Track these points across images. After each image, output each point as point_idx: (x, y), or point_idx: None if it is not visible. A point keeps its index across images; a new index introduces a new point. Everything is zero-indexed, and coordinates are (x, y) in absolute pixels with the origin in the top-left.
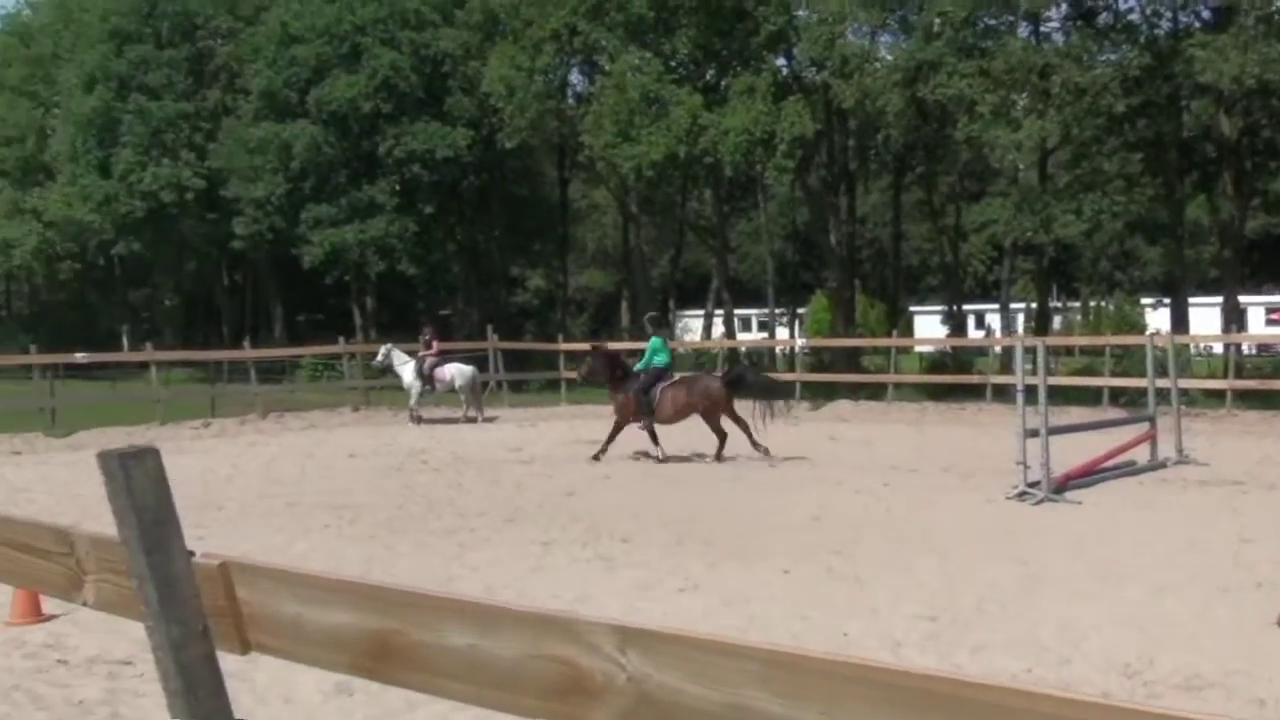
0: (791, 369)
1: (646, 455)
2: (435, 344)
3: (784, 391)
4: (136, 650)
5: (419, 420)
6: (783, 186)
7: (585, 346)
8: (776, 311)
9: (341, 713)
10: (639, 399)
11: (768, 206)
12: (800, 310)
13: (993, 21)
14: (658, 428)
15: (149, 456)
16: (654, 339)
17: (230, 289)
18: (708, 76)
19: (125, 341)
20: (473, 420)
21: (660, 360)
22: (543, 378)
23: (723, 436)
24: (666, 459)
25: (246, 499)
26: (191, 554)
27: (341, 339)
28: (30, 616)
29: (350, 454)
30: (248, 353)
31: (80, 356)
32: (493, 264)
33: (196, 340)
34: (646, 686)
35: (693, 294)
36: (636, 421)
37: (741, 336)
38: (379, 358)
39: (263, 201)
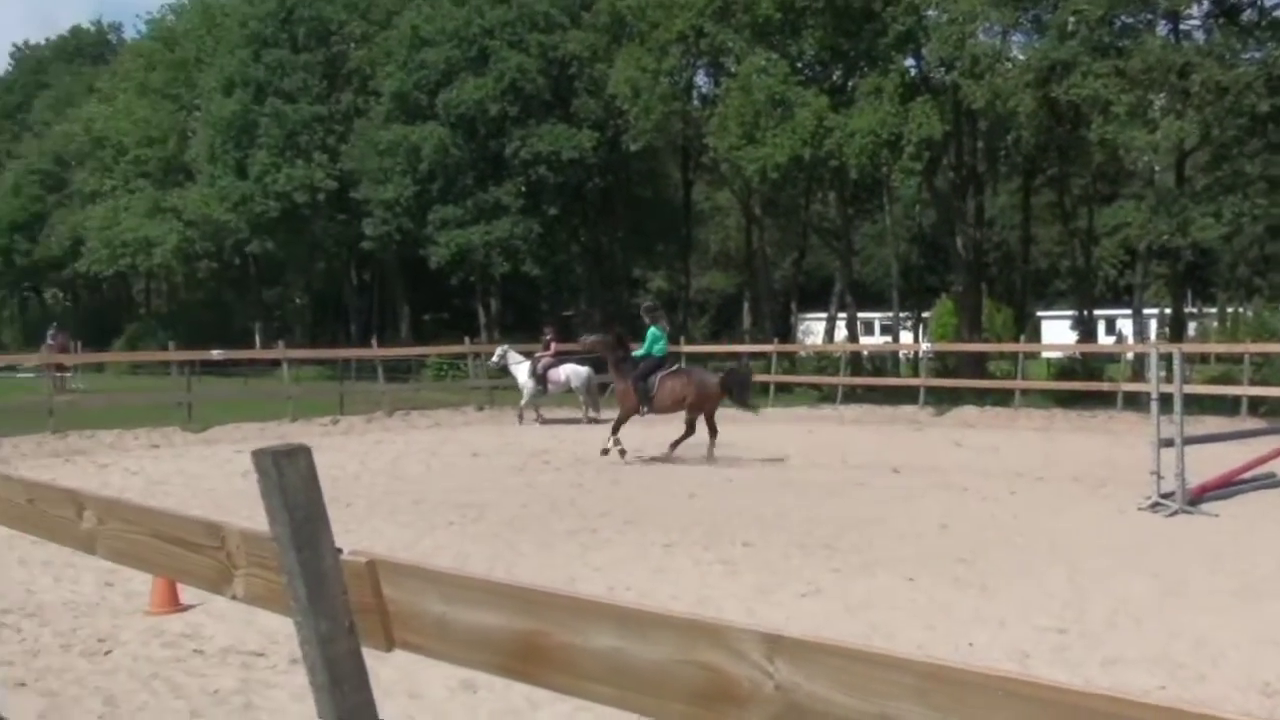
0: (915, 374)
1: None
2: (554, 345)
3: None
4: (267, 643)
5: (537, 419)
6: (909, 189)
7: (712, 349)
8: (900, 315)
9: (467, 709)
10: (637, 386)
11: (893, 209)
12: (925, 314)
13: (1130, 20)
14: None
15: (301, 455)
16: (652, 328)
17: (358, 288)
18: (834, 78)
19: (258, 339)
20: (593, 421)
21: (659, 349)
22: None
23: (689, 432)
24: (620, 453)
25: (374, 495)
26: (339, 551)
27: (467, 339)
28: (168, 606)
29: (474, 453)
30: (375, 351)
31: (216, 353)
32: (615, 265)
33: (325, 339)
34: (795, 696)
35: (815, 297)
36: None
37: (864, 340)
38: (494, 358)
39: (392, 203)
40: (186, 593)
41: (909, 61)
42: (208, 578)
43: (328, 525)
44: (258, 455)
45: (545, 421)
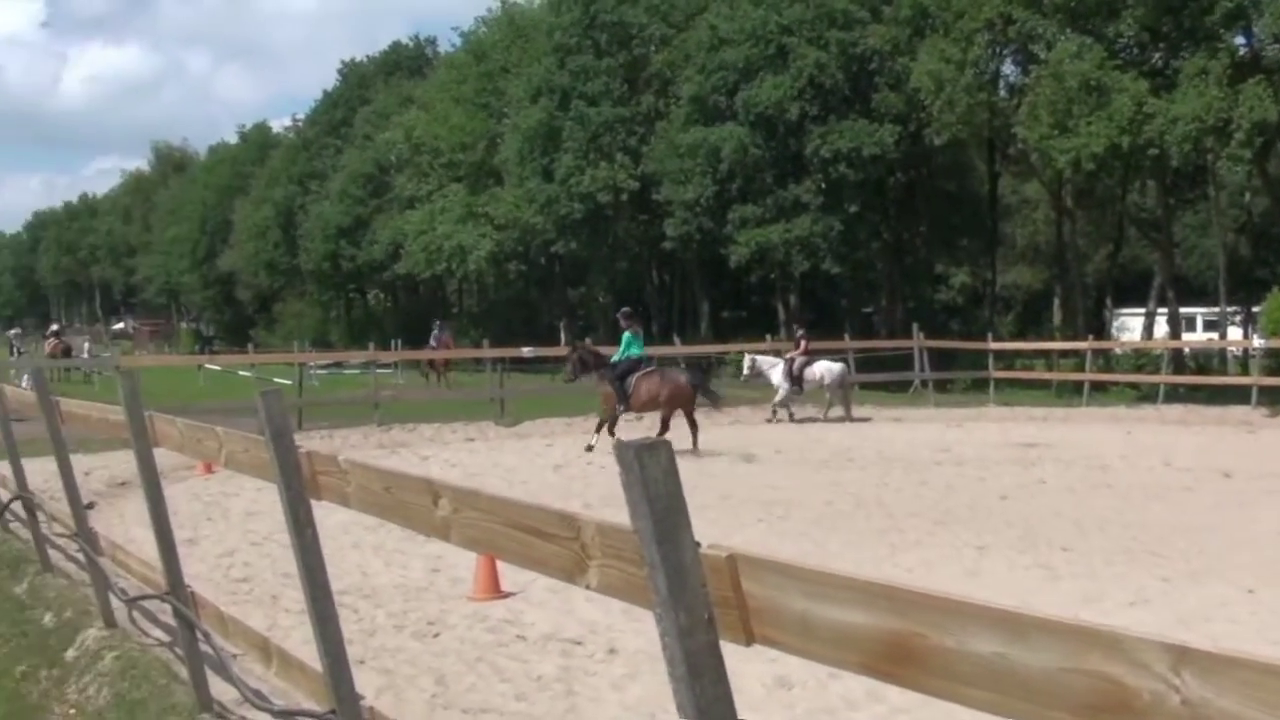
0: (1245, 372)
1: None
2: (805, 344)
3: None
4: (586, 632)
5: (789, 417)
6: (1237, 176)
7: (1015, 345)
8: (1228, 310)
9: (783, 706)
10: (615, 386)
11: (1219, 197)
12: (1255, 308)
13: None
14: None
15: (662, 449)
16: (626, 334)
17: (659, 287)
18: (1154, 60)
19: (563, 336)
20: (839, 420)
21: (635, 352)
22: (969, 377)
23: (664, 429)
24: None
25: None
26: (698, 545)
27: (767, 336)
28: (491, 593)
29: (777, 450)
30: (677, 348)
31: (527, 351)
32: (917, 261)
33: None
34: (1204, 712)
35: (1131, 291)
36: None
37: (1186, 337)
38: (745, 370)
39: (692, 203)
40: (506, 579)
41: (1239, 39)
42: (561, 567)
43: (687, 519)
44: (621, 449)
45: (793, 419)
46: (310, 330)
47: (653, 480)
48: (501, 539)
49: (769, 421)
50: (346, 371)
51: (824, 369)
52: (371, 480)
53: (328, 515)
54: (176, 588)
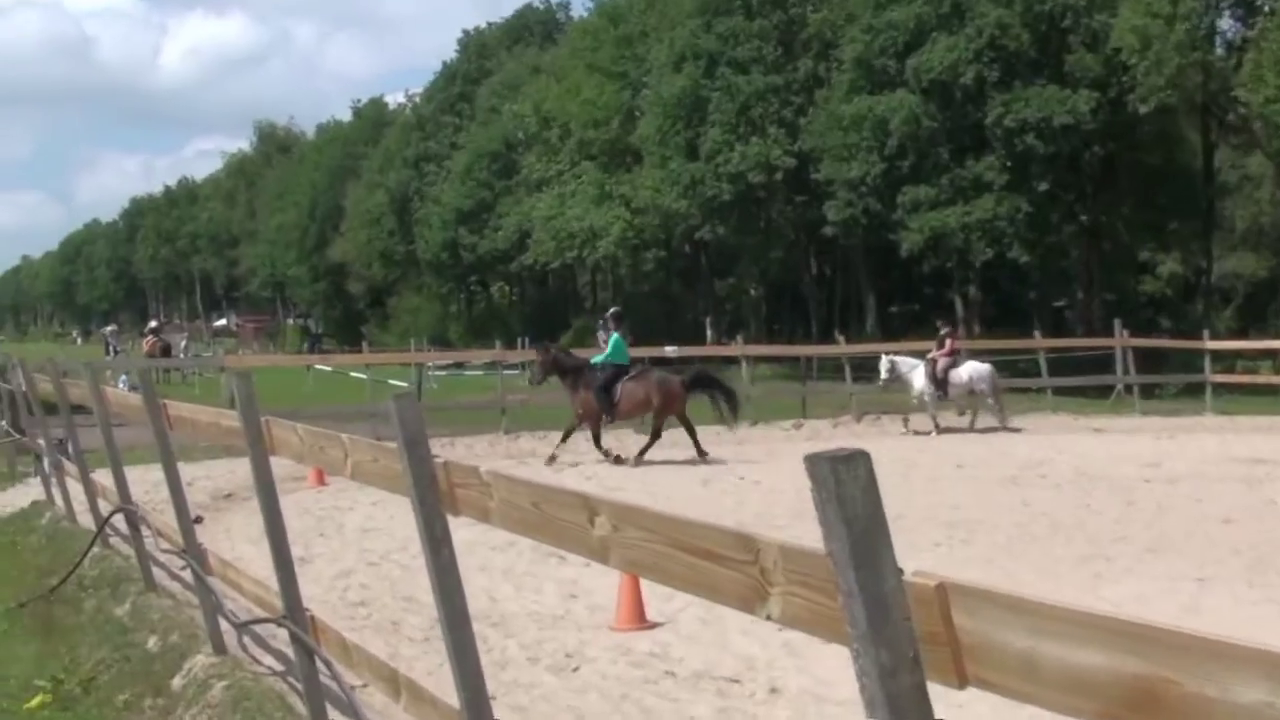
0: None
1: (619, 459)
2: (950, 343)
3: (738, 396)
4: (743, 668)
5: (935, 428)
6: None
7: (1236, 344)
8: None
9: None
10: (600, 396)
11: None
12: None
13: None
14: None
15: (860, 461)
16: (614, 337)
17: (818, 278)
18: None
19: (708, 334)
20: (992, 429)
21: (619, 360)
22: (1181, 381)
23: (655, 438)
24: (619, 459)
25: None
26: (901, 572)
27: (943, 335)
28: (635, 623)
29: (958, 464)
30: (841, 348)
31: (670, 351)
32: (1119, 247)
33: (781, 334)
34: None
35: None
36: (588, 421)
37: None
38: (883, 375)
39: (857, 182)
40: (652, 608)
41: None
42: (737, 595)
43: (889, 541)
44: (814, 461)
45: (943, 430)
46: (427, 327)
47: (850, 497)
48: (667, 562)
49: (905, 434)
50: (468, 373)
51: (972, 371)
52: (518, 495)
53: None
54: (295, 612)
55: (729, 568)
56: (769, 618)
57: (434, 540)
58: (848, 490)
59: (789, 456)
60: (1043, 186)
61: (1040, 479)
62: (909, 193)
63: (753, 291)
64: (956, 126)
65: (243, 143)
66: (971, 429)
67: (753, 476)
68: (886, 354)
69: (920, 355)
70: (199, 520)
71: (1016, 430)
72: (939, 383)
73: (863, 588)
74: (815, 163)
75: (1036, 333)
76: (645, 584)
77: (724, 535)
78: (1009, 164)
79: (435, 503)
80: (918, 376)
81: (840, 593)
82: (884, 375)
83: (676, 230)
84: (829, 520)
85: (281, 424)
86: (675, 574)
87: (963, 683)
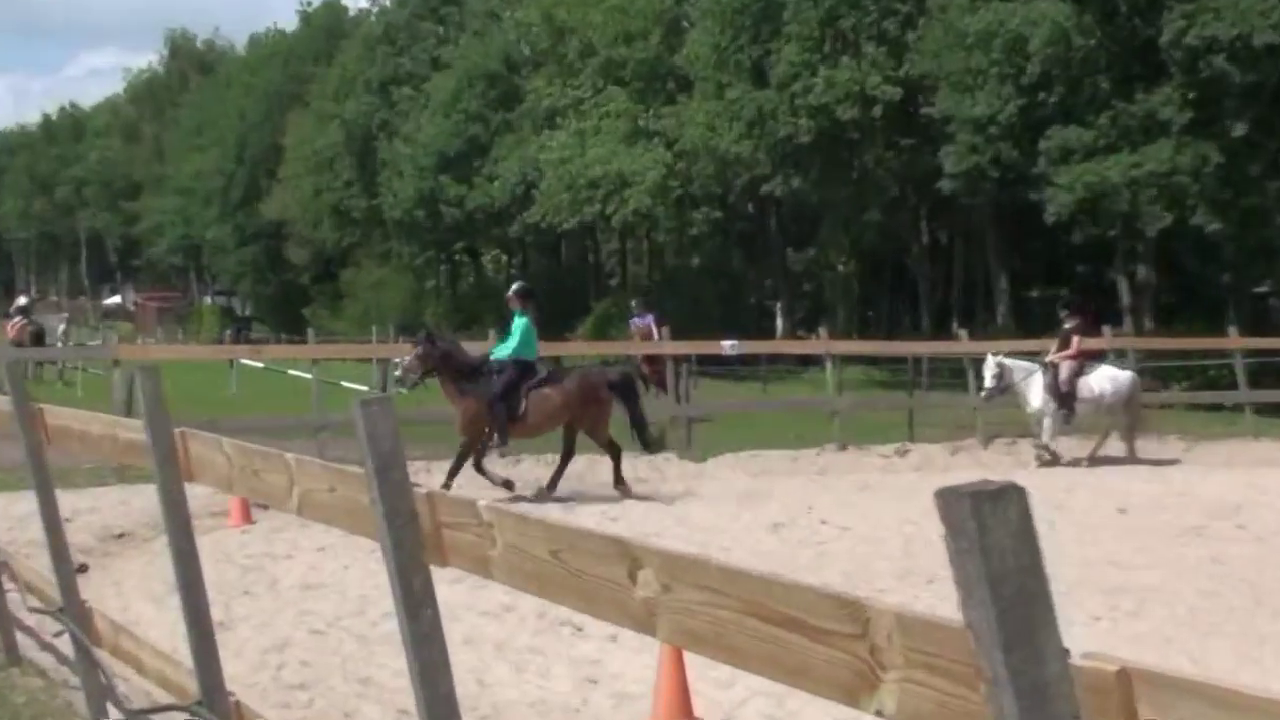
0: None
1: (520, 497)
2: (1077, 340)
3: (650, 432)
4: None
5: (1054, 458)
6: None
7: None
8: None
9: None
10: (495, 407)
11: None
12: None
13: None
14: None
15: (1012, 499)
16: (519, 317)
17: (930, 250)
18: None
19: (779, 324)
20: (1125, 459)
21: (525, 354)
22: None
23: (567, 456)
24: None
25: None
26: (1067, 653)
27: (1105, 328)
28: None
29: (1121, 507)
30: (962, 345)
31: (728, 346)
32: None
33: (878, 325)
34: None
35: None
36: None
37: None
38: (988, 381)
39: (984, 121)
40: (702, 699)
41: None
42: (834, 681)
43: (1051, 610)
44: (948, 499)
45: (1064, 463)
46: (394, 309)
47: (998, 549)
48: (737, 634)
49: (1039, 464)
50: None
51: (1109, 378)
52: (531, 539)
53: None
54: (213, 696)
55: (825, 643)
56: (879, 714)
57: (411, 599)
58: (995, 538)
59: (890, 493)
60: (1239, 129)
61: (1237, 530)
62: (1055, 136)
63: (840, 267)
64: (1121, 46)
65: (149, 57)
66: (1090, 460)
67: (840, 520)
68: (995, 354)
69: (992, 356)
70: (83, 569)
71: (1172, 462)
72: (1062, 397)
73: (1015, 674)
74: (928, 94)
75: (1231, 328)
76: (694, 666)
77: (819, 599)
78: (1192, 97)
79: (416, 548)
80: (1034, 387)
81: (983, 680)
82: (989, 383)
83: (737, 182)
84: (969, 580)
85: (202, 438)
86: (747, 650)
87: None
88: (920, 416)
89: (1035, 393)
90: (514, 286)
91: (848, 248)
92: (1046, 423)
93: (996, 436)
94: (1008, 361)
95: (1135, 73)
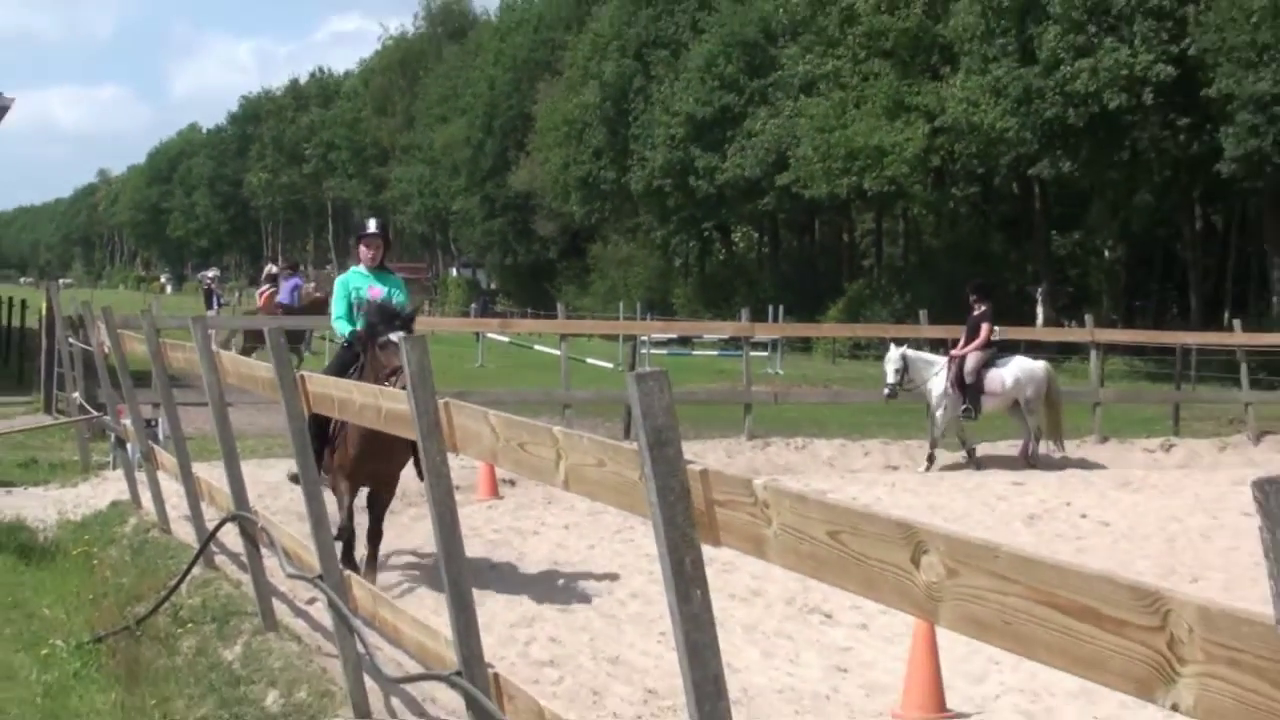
0: None
1: None
2: (986, 328)
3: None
4: None
5: (970, 459)
6: None
7: None
8: None
9: None
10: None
11: None
12: None
13: None
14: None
15: None
16: (352, 272)
17: (1204, 236)
18: None
19: (1040, 310)
20: (1039, 457)
21: (340, 328)
22: None
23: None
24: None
25: (1238, 571)
26: None
27: None
28: (929, 711)
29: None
30: (1236, 337)
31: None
32: None
33: (1145, 314)
34: None
35: None
36: None
37: None
38: (889, 377)
39: (1266, 100)
40: (955, 692)
41: None
42: (1127, 673)
43: None
44: (1267, 488)
45: (981, 463)
46: (641, 286)
47: None
48: (1026, 622)
49: (930, 468)
50: (697, 353)
51: (1018, 371)
52: (809, 520)
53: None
54: (473, 667)
55: (1120, 634)
56: (1175, 708)
57: (682, 579)
58: None
59: (1153, 489)
60: None
61: None
62: None
63: (1107, 253)
64: None
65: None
66: (1028, 459)
67: (1099, 514)
68: (897, 345)
69: (895, 348)
70: (340, 537)
71: (1098, 468)
72: (966, 390)
73: None
74: (1207, 71)
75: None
76: (946, 659)
77: (1115, 588)
78: None
79: (688, 526)
80: (937, 381)
81: None
82: (889, 378)
83: (1001, 160)
84: None
85: (468, 410)
86: (1036, 639)
87: None
88: (1187, 411)
89: (938, 386)
90: (371, 222)
91: (1116, 232)
92: (938, 415)
93: (1268, 432)
94: (911, 353)
95: None
